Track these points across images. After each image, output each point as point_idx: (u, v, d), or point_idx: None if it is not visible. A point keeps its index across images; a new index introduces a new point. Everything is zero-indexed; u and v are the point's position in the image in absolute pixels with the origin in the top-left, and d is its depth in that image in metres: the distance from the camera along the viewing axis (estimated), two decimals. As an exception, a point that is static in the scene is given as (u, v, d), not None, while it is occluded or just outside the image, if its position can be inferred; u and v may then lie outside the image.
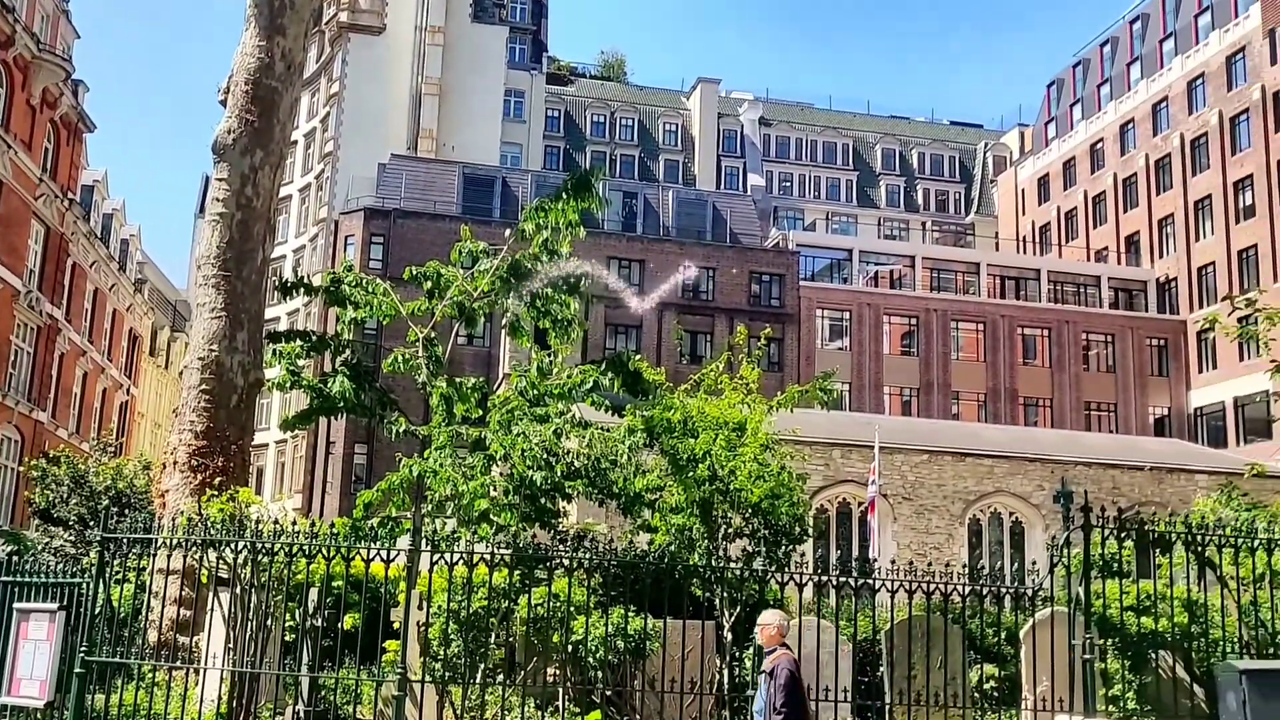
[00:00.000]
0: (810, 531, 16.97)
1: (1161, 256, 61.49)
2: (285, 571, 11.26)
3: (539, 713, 12.40)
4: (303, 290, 12.85)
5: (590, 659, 12.94)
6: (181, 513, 12.76)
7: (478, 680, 11.98)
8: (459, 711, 11.43)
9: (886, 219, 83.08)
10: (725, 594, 14.51)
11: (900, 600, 12.29)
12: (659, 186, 64.38)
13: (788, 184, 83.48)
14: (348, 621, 12.52)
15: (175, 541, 11.23)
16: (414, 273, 12.43)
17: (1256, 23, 56.41)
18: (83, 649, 11.02)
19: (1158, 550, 15.05)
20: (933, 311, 58.01)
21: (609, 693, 13.33)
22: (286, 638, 12.64)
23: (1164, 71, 63.38)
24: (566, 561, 11.71)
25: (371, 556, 11.07)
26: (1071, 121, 71.68)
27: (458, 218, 48.40)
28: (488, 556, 11.33)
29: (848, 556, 23.10)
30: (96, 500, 23.26)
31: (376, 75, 63.24)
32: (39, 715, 11.34)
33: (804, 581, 12.12)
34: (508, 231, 12.60)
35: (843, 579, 12.70)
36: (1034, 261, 64.88)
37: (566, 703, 12.13)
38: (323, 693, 12.02)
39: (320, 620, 11.92)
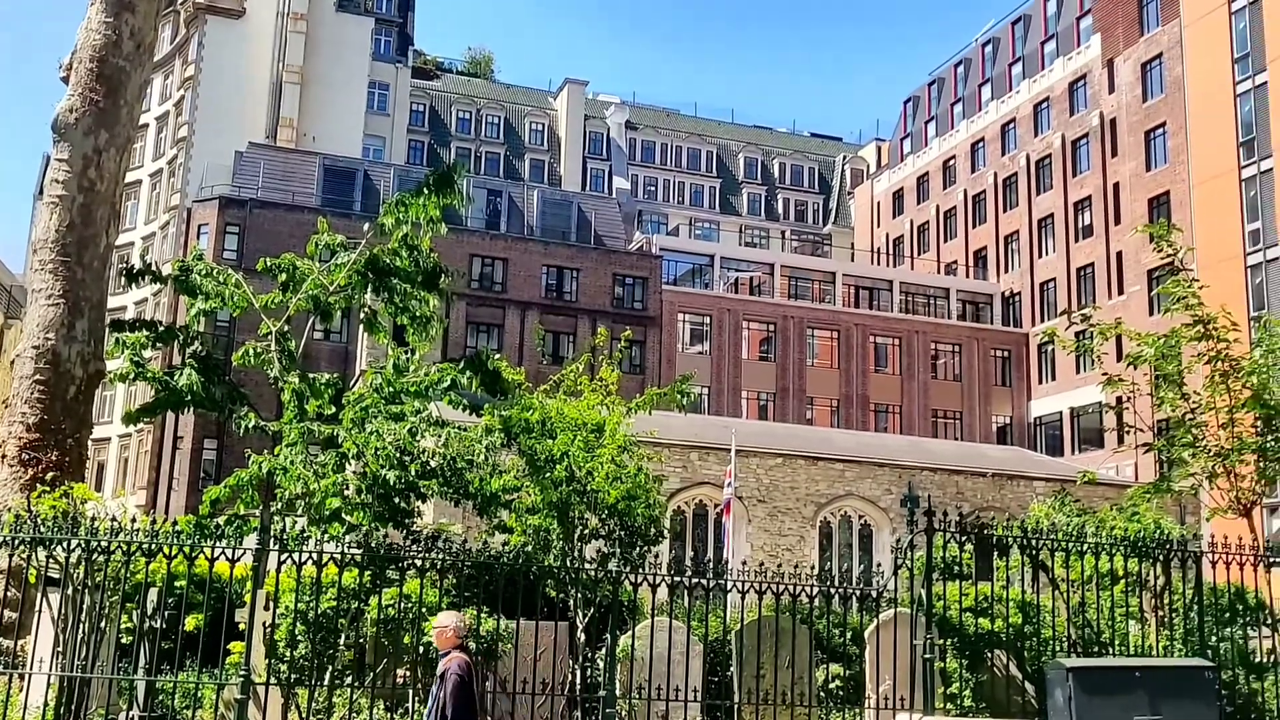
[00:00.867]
0: (665, 533, 17.10)
1: (1007, 271, 64.15)
2: (123, 571, 10.84)
3: (389, 714, 12.24)
4: (150, 278, 12.36)
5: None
6: (9, 509, 12.15)
7: (325, 682, 11.75)
8: (304, 714, 11.19)
9: (748, 226, 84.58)
10: (580, 595, 14.53)
11: (751, 601, 12.52)
12: (524, 186, 64.10)
13: (652, 188, 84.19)
14: (190, 623, 12.14)
15: (1, 539, 10.72)
16: (268, 264, 12.11)
17: (1097, 53, 59.39)
18: (-103, 653, 10.43)
19: (996, 553, 15.71)
20: (790, 318, 59.28)
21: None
22: (123, 640, 12.18)
23: (1013, 94, 66.16)
24: (419, 562, 11.58)
25: (216, 555, 10.76)
26: (926, 138, 74.19)
27: (317, 210, 47.20)
28: (338, 556, 11.13)
29: (702, 558, 23.39)
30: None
31: (235, 60, 61.37)
32: None
33: (657, 582, 12.26)
34: (367, 225, 12.38)
35: (695, 580, 12.88)
36: (887, 273, 66.92)
37: (417, 704, 11.98)
38: (160, 697, 11.61)
39: (160, 622, 11.53)
